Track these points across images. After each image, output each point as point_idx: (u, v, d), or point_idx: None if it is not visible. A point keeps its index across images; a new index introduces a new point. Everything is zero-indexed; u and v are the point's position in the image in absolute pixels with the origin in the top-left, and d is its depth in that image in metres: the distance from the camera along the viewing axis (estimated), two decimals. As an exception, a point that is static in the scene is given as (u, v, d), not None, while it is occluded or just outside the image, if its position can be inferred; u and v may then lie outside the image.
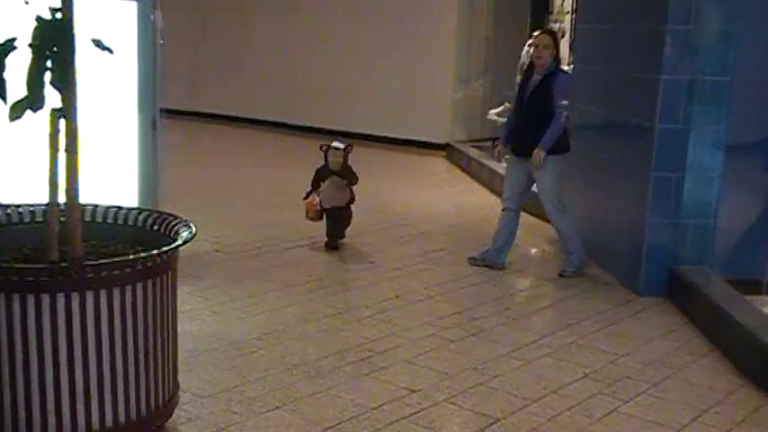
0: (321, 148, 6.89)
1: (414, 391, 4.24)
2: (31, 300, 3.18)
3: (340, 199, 6.83)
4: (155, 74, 5.90)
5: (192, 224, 3.71)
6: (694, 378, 4.60)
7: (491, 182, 9.67)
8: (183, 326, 4.22)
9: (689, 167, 5.79)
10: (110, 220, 3.94)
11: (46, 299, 3.19)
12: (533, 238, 7.42)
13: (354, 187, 6.95)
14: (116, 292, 3.29)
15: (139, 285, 3.36)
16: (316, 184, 6.91)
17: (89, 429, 3.31)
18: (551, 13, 11.06)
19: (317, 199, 6.81)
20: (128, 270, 3.33)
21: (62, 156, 3.46)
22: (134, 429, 3.44)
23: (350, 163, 6.88)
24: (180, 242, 3.55)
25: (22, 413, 3.23)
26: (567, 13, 10.49)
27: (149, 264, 3.40)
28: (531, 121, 6.16)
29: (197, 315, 5.16)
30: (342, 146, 6.84)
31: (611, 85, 6.60)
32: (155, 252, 3.41)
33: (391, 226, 7.77)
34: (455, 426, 3.94)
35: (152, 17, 5.87)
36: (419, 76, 12.28)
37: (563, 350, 4.91)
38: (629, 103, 6.31)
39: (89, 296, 3.24)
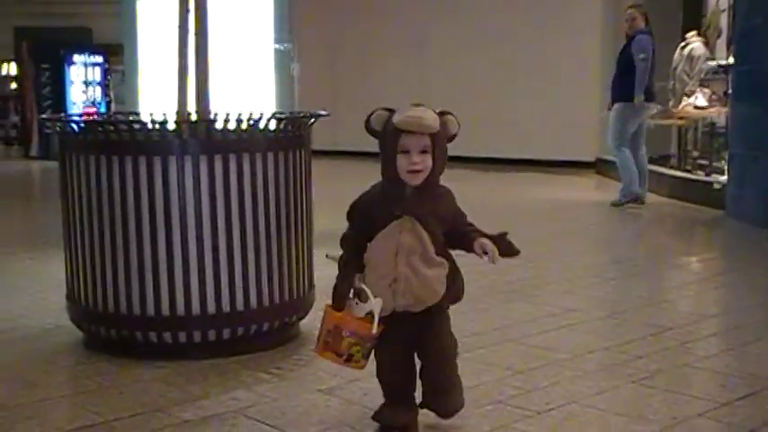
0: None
1: (572, 310, 3.82)
2: (157, 162, 3.01)
3: (427, 284, 2.33)
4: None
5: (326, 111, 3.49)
6: None
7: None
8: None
9: None
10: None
11: (173, 161, 3.01)
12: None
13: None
14: (245, 158, 3.08)
15: (270, 155, 3.14)
16: (351, 267, 2.36)
17: (219, 309, 3.08)
18: (704, 15, 10.53)
19: (361, 305, 2.32)
20: (258, 136, 3.13)
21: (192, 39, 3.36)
22: (268, 314, 3.18)
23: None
24: (313, 117, 3.33)
25: (148, 275, 3.03)
26: (723, 11, 9.95)
27: (280, 134, 3.19)
28: (616, 76, 7.64)
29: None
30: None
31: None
32: (285, 117, 3.20)
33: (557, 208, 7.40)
34: (623, 332, 3.48)
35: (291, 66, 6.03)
36: (564, 95, 11.90)
37: None
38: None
39: (217, 160, 3.05)
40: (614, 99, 7.57)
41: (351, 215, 2.38)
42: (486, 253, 2.28)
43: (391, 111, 2.30)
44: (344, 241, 2.36)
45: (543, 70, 12.16)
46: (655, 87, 7.65)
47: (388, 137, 2.27)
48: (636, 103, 7.34)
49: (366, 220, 2.32)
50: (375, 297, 2.26)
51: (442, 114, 2.30)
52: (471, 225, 2.36)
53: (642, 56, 7.37)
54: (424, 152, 2.25)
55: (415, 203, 2.29)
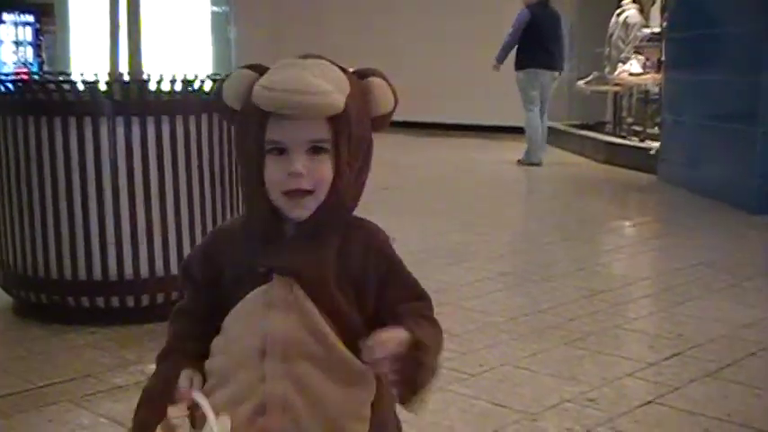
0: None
1: (508, 274, 3.87)
2: (88, 123, 2.94)
3: (333, 418, 1.15)
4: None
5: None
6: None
7: (581, 149, 9.25)
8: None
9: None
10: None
11: (104, 122, 2.95)
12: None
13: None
14: (179, 120, 3.03)
15: (204, 117, 3.09)
16: (177, 360, 1.22)
17: (152, 271, 3.04)
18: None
19: None
20: (192, 98, 3.07)
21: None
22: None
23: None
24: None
25: (79, 239, 2.97)
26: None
27: (215, 96, 3.13)
28: None
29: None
30: None
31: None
32: (220, 79, 3.15)
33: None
34: (556, 295, 3.54)
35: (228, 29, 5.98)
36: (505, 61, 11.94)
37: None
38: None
39: (150, 122, 2.99)
40: None
41: (186, 273, 1.25)
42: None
43: (262, 70, 1.19)
44: (174, 318, 1.27)
45: (484, 35, 12.14)
46: (558, 56, 8.36)
47: (248, 121, 1.16)
48: (493, 67, 8.35)
49: (212, 278, 1.21)
50: (218, 414, 1.11)
51: (363, 76, 1.21)
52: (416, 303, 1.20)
53: (510, 30, 8.32)
54: (316, 149, 1.14)
55: (301, 250, 1.16)
